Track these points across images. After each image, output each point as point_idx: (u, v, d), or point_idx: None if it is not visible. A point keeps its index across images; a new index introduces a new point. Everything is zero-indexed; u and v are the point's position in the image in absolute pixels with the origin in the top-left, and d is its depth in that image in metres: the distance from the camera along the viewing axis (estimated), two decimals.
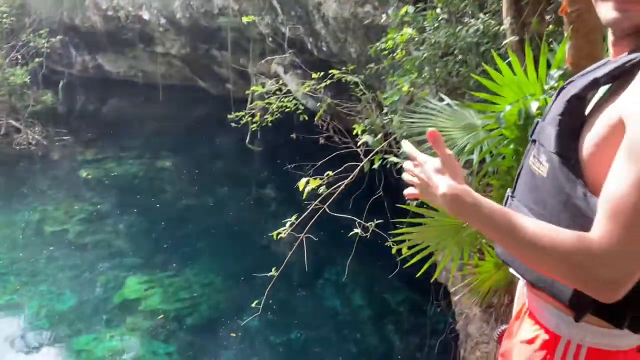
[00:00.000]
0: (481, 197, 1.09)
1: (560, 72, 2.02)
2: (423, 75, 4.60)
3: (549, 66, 2.18)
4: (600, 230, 1.01)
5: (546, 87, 2.08)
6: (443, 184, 1.11)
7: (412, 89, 4.62)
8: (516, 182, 1.35)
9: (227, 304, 8.01)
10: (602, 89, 1.19)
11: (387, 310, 7.90)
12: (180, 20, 12.22)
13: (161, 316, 7.69)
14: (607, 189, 1.03)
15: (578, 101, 1.17)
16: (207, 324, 7.66)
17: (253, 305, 4.16)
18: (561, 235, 1.04)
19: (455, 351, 4.47)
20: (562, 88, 1.28)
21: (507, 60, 2.47)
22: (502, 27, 3.16)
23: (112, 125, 14.80)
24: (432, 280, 3.02)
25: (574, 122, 1.17)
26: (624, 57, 1.12)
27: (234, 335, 7.19)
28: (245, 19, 5.11)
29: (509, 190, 1.36)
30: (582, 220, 1.10)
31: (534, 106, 2.03)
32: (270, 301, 4.20)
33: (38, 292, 8.29)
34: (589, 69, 1.28)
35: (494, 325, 3.25)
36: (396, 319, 7.73)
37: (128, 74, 16.21)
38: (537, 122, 1.29)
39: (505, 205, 1.36)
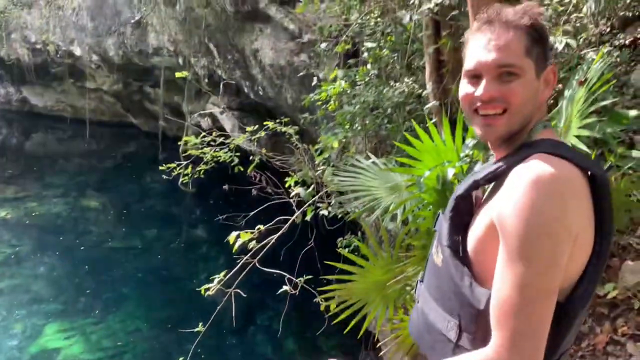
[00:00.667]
0: None
1: (474, 141, 2.18)
2: (354, 127, 4.76)
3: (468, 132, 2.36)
4: (494, 340, 1.11)
5: (462, 154, 2.24)
6: None
7: (344, 139, 4.77)
8: (425, 268, 1.44)
9: (153, 353, 7.69)
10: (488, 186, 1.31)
11: (319, 357, 7.85)
12: (113, 58, 12.03)
13: None
14: (493, 296, 1.13)
15: (463, 200, 1.30)
16: None
17: (180, 359, 4.04)
18: None
19: None
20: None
21: (427, 125, 2.63)
22: (424, 91, 3.38)
23: (36, 161, 14.17)
24: (360, 334, 3.06)
25: (461, 219, 1.29)
26: (494, 165, 1.26)
27: None
28: (178, 75, 5.12)
29: (420, 275, 1.46)
30: (469, 308, 1.20)
31: (450, 173, 2.17)
32: (199, 350, 4.10)
33: None
34: (483, 166, 1.41)
35: None
36: None
37: (55, 108, 15.68)
38: (439, 214, 1.41)
39: (415, 290, 1.50)
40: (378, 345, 4.85)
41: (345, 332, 2.92)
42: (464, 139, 2.39)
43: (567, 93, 2.23)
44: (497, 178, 1.22)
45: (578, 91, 2.16)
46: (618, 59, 3.53)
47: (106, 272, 9.24)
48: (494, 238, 1.14)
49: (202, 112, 9.83)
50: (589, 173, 1.17)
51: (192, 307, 8.35)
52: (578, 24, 3.93)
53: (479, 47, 1.23)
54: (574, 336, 1.25)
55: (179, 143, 5.56)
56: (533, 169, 1.12)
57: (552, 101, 2.94)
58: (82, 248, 9.97)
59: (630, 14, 4.18)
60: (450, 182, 2.19)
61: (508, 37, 1.20)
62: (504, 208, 1.12)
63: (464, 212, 1.29)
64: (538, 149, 1.18)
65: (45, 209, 11.35)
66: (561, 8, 3.91)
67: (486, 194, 1.30)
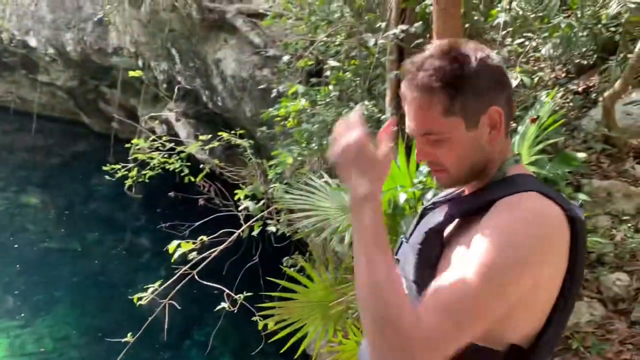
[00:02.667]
0: (380, 219, 1.08)
1: (429, 169, 2.18)
2: (311, 146, 4.73)
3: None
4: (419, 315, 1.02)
5: (415, 180, 2.23)
6: (368, 180, 1.08)
7: (300, 158, 4.73)
8: None
9: None
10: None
11: None
12: (70, 53, 11.66)
13: None
14: (438, 278, 1.07)
15: (435, 234, 1.23)
16: None
17: None
18: (405, 309, 1.00)
19: None
20: (425, 209, 1.38)
21: None
22: (383, 116, 3.39)
23: None
24: (297, 355, 2.98)
25: (431, 252, 1.21)
26: (471, 197, 1.25)
27: None
28: (132, 73, 4.97)
29: None
30: None
31: (402, 198, 2.16)
32: None
33: None
34: (448, 192, 1.39)
35: None
36: None
37: (2, 99, 15.00)
38: (402, 241, 1.34)
39: None
40: None
41: (281, 351, 2.84)
42: (417, 166, 2.39)
43: (519, 129, 2.27)
44: (480, 211, 1.15)
45: (530, 128, 2.21)
46: (571, 104, 3.66)
47: (39, 274, 8.80)
48: None
49: (155, 114, 9.59)
50: (569, 215, 1.12)
51: (127, 317, 8.02)
52: (535, 67, 4.07)
53: (406, 111, 1.22)
54: None
55: (126, 146, 5.37)
56: (529, 202, 1.10)
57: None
58: (15, 246, 9.48)
59: (585, 62, 4.36)
60: (402, 207, 2.18)
61: (422, 103, 1.16)
62: (485, 223, 1.10)
63: (435, 245, 1.22)
64: (523, 187, 1.15)
65: None
66: (520, 50, 4.04)
67: (455, 226, 1.24)
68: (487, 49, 1.20)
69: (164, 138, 4.84)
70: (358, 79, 5.07)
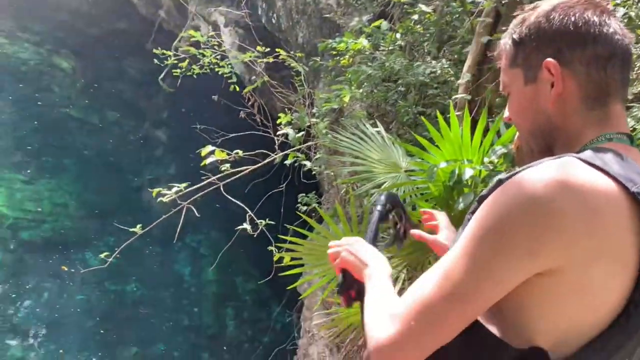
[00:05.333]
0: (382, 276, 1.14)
1: (504, 150, 1.99)
2: (360, 91, 4.51)
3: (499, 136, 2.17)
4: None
5: (486, 159, 2.05)
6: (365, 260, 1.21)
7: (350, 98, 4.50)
8: None
9: (72, 232, 7.40)
10: None
11: (233, 295, 7.74)
12: None
13: None
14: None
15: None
16: (43, 245, 7.01)
17: (102, 256, 3.78)
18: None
19: None
20: None
21: (448, 116, 2.43)
22: (458, 81, 3.15)
23: None
24: (289, 288, 2.90)
25: None
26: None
27: (65, 268, 6.62)
28: None
29: None
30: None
31: (468, 173, 1.97)
32: (117, 248, 3.86)
33: None
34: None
35: (337, 357, 3.22)
36: (239, 307, 7.59)
37: None
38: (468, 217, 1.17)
39: None
40: (302, 308, 4.75)
41: (289, 287, 2.76)
42: (492, 144, 2.20)
43: None
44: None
45: None
46: None
47: (53, 136, 8.77)
48: None
49: (204, 14, 9.25)
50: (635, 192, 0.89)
51: (127, 202, 8.06)
52: None
53: None
54: None
55: (181, 35, 5.13)
56: (533, 169, 0.91)
57: None
58: (38, 103, 9.42)
59: None
60: (464, 183, 2.00)
61: (503, 55, 1.14)
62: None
63: None
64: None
65: (14, 50, 10.62)
66: None
67: None
68: (599, 9, 1.03)
69: (209, 36, 4.60)
70: (428, 34, 4.77)
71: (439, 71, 3.61)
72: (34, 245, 6.96)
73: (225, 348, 6.97)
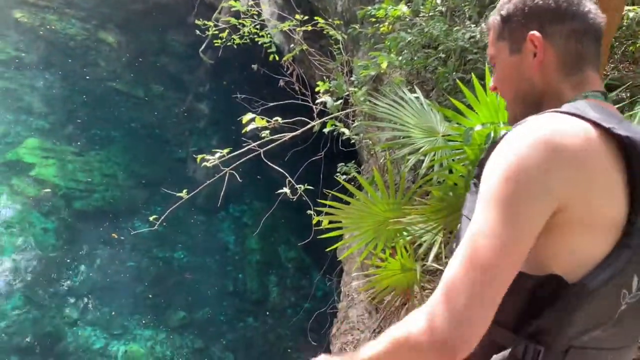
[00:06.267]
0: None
1: None
2: (400, 58, 4.48)
3: None
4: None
5: None
6: None
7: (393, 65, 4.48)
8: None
9: (121, 202, 7.70)
10: None
11: (275, 262, 7.93)
12: None
13: (48, 190, 7.27)
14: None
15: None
16: (94, 214, 7.34)
17: (151, 218, 3.96)
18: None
19: (328, 326, 4.55)
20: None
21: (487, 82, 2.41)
22: None
23: None
24: (328, 250, 2.97)
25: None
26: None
27: (115, 236, 6.93)
28: None
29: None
30: None
31: (503, 135, 1.97)
32: (164, 213, 4.03)
33: None
34: None
35: (376, 318, 3.30)
36: (281, 273, 7.79)
37: None
38: None
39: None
40: (342, 272, 4.85)
41: (328, 249, 2.83)
42: None
43: None
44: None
45: None
46: None
47: (102, 110, 9.08)
48: None
49: None
50: (615, 133, 1.02)
51: (171, 172, 8.31)
52: None
53: None
54: (599, 326, 1.07)
55: (223, 4, 5.17)
56: (524, 124, 1.03)
57: None
58: (86, 77, 9.73)
59: None
60: None
61: (491, 30, 1.26)
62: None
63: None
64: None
65: (62, 26, 10.94)
66: None
67: None
68: None
69: (249, 6, 4.64)
70: None
71: (478, 36, 3.55)
72: (86, 214, 7.29)
73: (268, 313, 7.18)
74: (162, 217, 3.68)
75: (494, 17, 1.25)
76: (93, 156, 8.14)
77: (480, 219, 1.00)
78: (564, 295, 1.02)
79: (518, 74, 1.21)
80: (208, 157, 3.26)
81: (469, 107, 2.35)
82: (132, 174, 8.11)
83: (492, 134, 2.06)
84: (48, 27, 10.70)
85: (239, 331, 6.99)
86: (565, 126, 1.01)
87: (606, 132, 1.02)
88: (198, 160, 3.28)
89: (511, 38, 1.21)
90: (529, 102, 1.20)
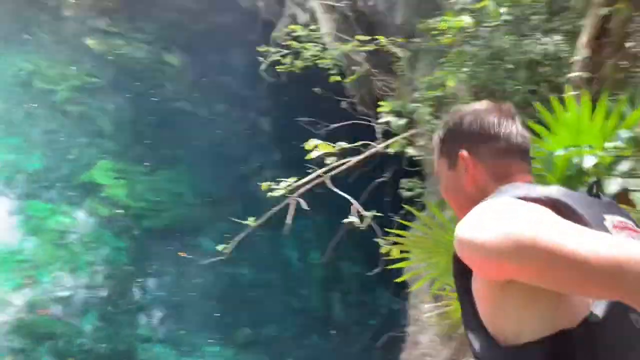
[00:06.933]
0: None
1: (630, 134, 1.81)
2: (464, 70, 4.33)
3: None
4: None
5: (609, 144, 1.87)
6: None
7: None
8: None
9: (188, 220, 7.88)
10: None
11: (339, 279, 7.86)
12: None
13: (121, 210, 7.54)
14: None
15: None
16: (163, 234, 7.54)
17: (220, 248, 3.99)
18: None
19: (398, 349, 4.42)
20: None
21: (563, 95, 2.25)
22: (572, 57, 2.91)
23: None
24: (397, 281, 2.87)
25: None
26: None
27: (183, 254, 7.09)
28: None
29: None
30: None
31: (589, 161, 1.82)
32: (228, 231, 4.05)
33: (8, 144, 8.05)
34: None
35: (447, 345, 3.16)
36: (345, 290, 7.70)
37: None
38: None
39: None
40: (407, 296, 4.72)
41: (397, 280, 2.74)
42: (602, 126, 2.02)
43: None
44: None
45: None
46: None
47: (168, 129, 9.35)
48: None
49: (303, 0, 9.32)
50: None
51: (237, 190, 8.43)
52: None
53: None
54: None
55: (287, 30, 5.19)
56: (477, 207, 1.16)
57: None
58: (153, 99, 10.07)
59: None
60: (585, 172, 1.85)
61: (435, 148, 1.49)
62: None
63: None
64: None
65: (129, 51, 11.40)
66: None
67: None
68: (491, 110, 1.42)
69: (309, 29, 4.62)
70: (537, 5, 4.46)
71: (552, 48, 3.37)
72: (155, 233, 7.51)
73: (333, 331, 7.11)
74: (231, 246, 3.70)
75: (435, 137, 1.49)
76: (161, 176, 8.39)
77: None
78: (576, 344, 1.03)
79: (456, 186, 1.41)
80: (274, 186, 3.24)
81: (546, 126, 2.20)
82: (198, 192, 8.30)
83: (574, 161, 1.91)
84: (117, 52, 11.18)
85: (305, 349, 6.96)
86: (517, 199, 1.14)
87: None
88: (263, 187, 3.27)
89: (448, 156, 1.43)
90: (469, 209, 1.25)
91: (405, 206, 2.77)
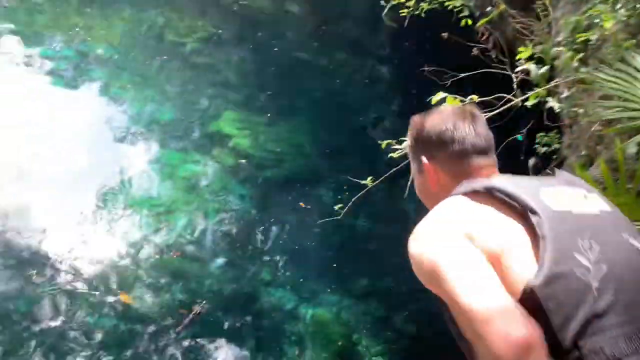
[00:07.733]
0: None
1: None
2: (618, 8, 3.75)
3: None
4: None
5: None
6: None
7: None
8: None
9: (307, 172, 7.97)
10: None
11: None
12: None
13: (245, 160, 7.81)
14: None
15: None
16: (284, 183, 7.71)
17: (337, 207, 3.93)
18: None
19: None
20: None
21: None
22: None
23: None
24: None
25: None
26: None
27: (302, 205, 7.20)
28: None
29: None
30: None
31: None
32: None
33: (143, 95, 8.60)
34: None
35: None
36: None
37: None
38: None
39: None
40: None
41: None
42: None
43: None
44: None
45: None
46: None
47: (288, 80, 9.43)
48: None
49: None
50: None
51: (356, 142, 8.35)
52: None
53: None
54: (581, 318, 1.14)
55: None
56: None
57: None
58: (275, 49, 10.17)
59: None
60: None
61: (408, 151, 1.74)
62: None
63: None
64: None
65: (252, 1, 11.54)
66: None
67: None
68: (449, 115, 1.59)
69: None
70: None
71: None
72: (276, 182, 7.70)
73: None
74: (346, 208, 3.64)
75: (406, 142, 1.69)
76: (281, 127, 8.53)
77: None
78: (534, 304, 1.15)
79: (424, 188, 1.64)
80: (396, 146, 3.08)
81: None
82: (317, 145, 8.34)
83: None
84: (241, 3, 11.37)
85: (421, 302, 6.87)
86: (447, 202, 1.48)
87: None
88: (383, 146, 3.13)
89: (416, 161, 1.65)
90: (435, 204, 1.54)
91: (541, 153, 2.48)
